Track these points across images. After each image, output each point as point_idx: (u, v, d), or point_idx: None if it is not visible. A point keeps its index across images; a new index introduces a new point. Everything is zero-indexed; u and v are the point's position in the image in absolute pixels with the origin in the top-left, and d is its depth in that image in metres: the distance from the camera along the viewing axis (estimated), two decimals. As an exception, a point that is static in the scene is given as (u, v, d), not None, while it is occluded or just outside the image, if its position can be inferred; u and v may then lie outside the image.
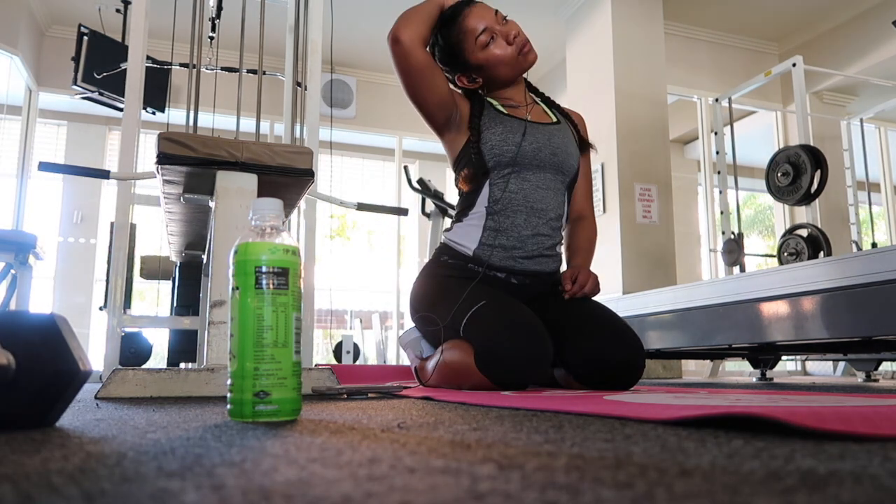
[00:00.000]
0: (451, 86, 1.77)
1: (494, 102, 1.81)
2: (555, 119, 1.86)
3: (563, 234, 1.82)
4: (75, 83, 4.02)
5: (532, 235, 1.72)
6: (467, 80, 1.80)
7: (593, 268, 1.87)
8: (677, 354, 3.42)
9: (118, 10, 4.44)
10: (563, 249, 1.83)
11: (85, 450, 0.50)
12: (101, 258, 5.13)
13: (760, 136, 5.82)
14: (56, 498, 0.31)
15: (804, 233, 3.80)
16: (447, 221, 3.38)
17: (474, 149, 1.73)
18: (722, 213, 4.40)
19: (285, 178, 1.61)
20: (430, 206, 3.80)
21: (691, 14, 5.18)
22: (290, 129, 2.84)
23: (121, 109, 3.57)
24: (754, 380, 3.85)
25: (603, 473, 0.37)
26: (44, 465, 0.41)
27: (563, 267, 1.86)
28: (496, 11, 1.77)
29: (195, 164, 1.53)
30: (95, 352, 4.74)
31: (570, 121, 1.90)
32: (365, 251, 7.09)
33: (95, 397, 1.32)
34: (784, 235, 3.99)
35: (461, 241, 1.76)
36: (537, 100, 1.90)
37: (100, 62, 4.01)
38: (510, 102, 1.82)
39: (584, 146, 1.89)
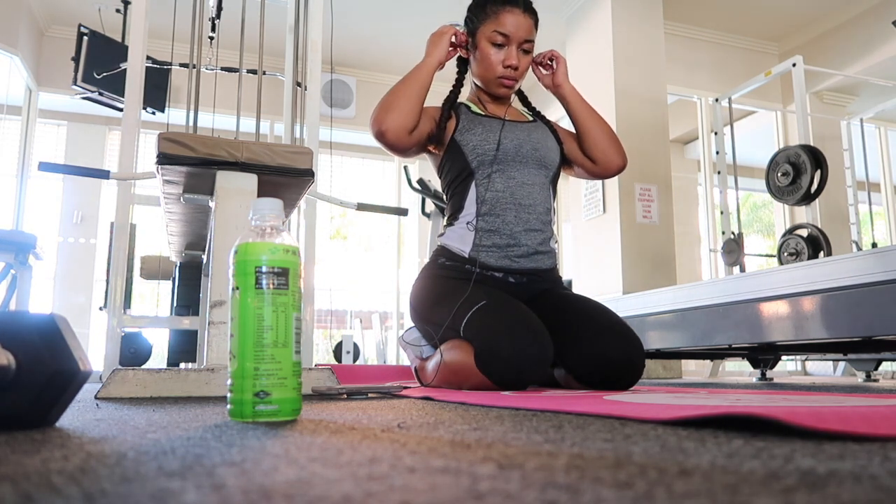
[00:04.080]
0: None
1: (472, 105, 1.87)
2: (531, 118, 1.91)
3: (554, 228, 1.84)
4: (75, 83, 4.01)
5: (524, 231, 1.73)
6: (464, 39, 1.87)
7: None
8: (677, 354, 3.42)
9: (118, 10, 4.44)
10: (556, 245, 1.83)
11: (85, 450, 0.50)
12: (101, 258, 5.13)
13: (760, 136, 5.82)
14: (56, 498, 0.31)
15: (804, 233, 3.79)
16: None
17: (456, 151, 1.78)
18: (722, 213, 4.40)
19: (285, 178, 1.61)
20: (430, 206, 3.80)
21: (691, 14, 5.18)
22: (290, 129, 2.84)
23: (121, 109, 3.57)
24: (754, 380, 3.85)
25: (603, 473, 0.37)
26: (44, 465, 0.41)
27: (559, 265, 1.88)
28: (528, 39, 1.79)
29: (195, 164, 1.53)
30: (95, 352, 4.74)
31: (545, 120, 1.94)
32: (365, 251, 7.09)
33: (95, 397, 1.32)
34: (784, 235, 3.99)
35: (455, 244, 1.77)
36: (515, 98, 1.94)
37: (100, 62, 4.01)
38: (487, 103, 1.87)
39: (560, 141, 1.91)
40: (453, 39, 1.83)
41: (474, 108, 1.86)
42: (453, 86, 1.87)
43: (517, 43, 1.77)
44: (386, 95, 1.73)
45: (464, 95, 1.93)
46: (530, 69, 1.88)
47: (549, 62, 1.88)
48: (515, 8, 1.76)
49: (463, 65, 1.90)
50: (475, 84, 1.89)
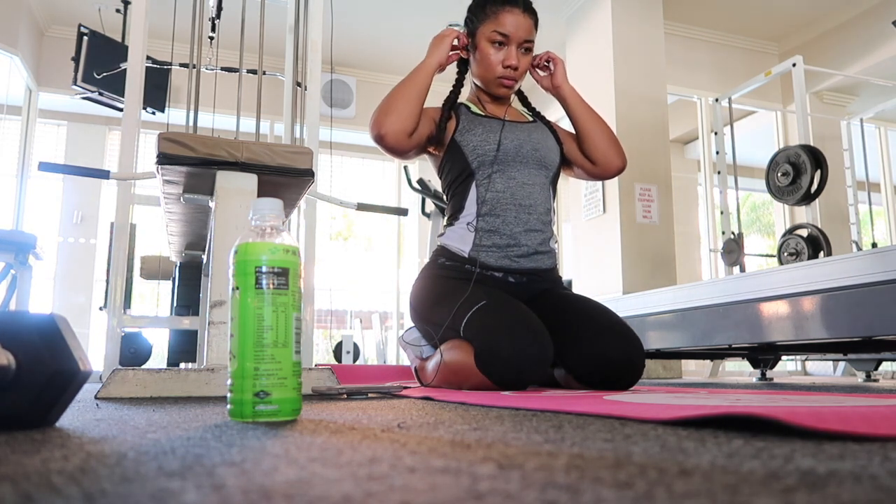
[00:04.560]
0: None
1: (471, 106, 1.86)
2: (531, 119, 1.91)
3: (554, 229, 1.83)
4: (75, 83, 4.01)
5: (524, 231, 1.73)
6: (464, 44, 1.86)
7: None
8: (677, 354, 3.42)
9: (118, 10, 4.44)
10: (556, 245, 1.83)
11: (85, 450, 0.50)
12: (101, 258, 5.13)
13: (760, 136, 5.82)
14: (56, 498, 0.31)
15: (804, 233, 3.80)
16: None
17: (456, 152, 1.78)
18: (722, 213, 4.40)
19: (285, 178, 1.61)
20: (430, 206, 3.80)
21: (691, 14, 5.18)
22: (290, 129, 2.84)
23: (121, 109, 3.57)
24: (754, 380, 3.85)
25: (603, 473, 0.37)
26: (44, 465, 0.41)
27: (559, 265, 1.88)
28: (528, 39, 1.78)
29: (195, 164, 1.53)
30: (95, 352, 4.74)
31: (545, 121, 1.94)
32: (365, 251, 7.09)
33: (95, 397, 1.32)
34: (784, 235, 3.99)
35: (455, 244, 1.77)
36: (515, 100, 1.94)
37: (100, 62, 4.01)
38: (487, 103, 1.87)
39: (560, 142, 1.91)
40: (455, 43, 1.82)
41: (474, 108, 1.86)
42: (453, 86, 1.87)
43: (517, 43, 1.77)
44: (385, 98, 1.73)
45: (463, 96, 1.92)
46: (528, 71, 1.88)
47: (546, 63, 1.88)
48: (515, 8, 1.76)
49: (463, 65, 1.90)
50: (475, 84, 1.89)
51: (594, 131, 1.85)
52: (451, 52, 1.81)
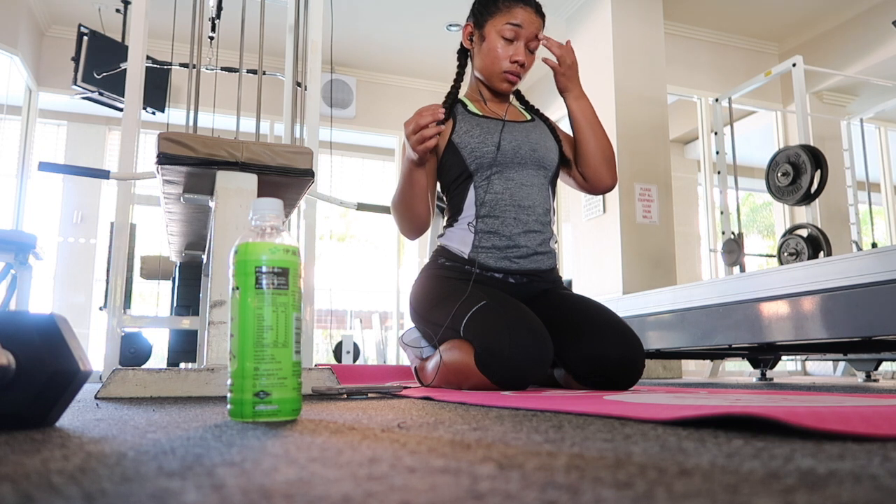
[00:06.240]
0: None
1: (469, 104, 1.85)
2: (529, 117, 1.90)
3: (553, 229, 1.83)
4: (75, 83, 4.02)
5: (523, 233, 1.73)
6: (468, 35, 1.86)
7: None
8: (677, 354, 3.42)
9: (118, 10, 4.45)
10: (556, 245, 1.83)
11: (85, 450, 0.50)
12: (101, 258, 5.13)
13: (760, 136, 5.82)
14: (56, 498, 0.31)
15: (804, 233, 3.80)
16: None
17: (454, 155, 1.77)
18: (722, 213, 4.40)
19: (285, 178, 1.61)
20: (430, 206, 3.79)
21: (691, 14, 5.18)
22: (290, 129, 2.84)
23: (121, 109, 3.58)
24: (754, 380, 3.85)
25: (603, 473, 0.37)
26: (44, 465, 0.41)
27: (559, 265, 1.87)
28: (538, 34, 1.78)
29: (195, 164, 1.53)
30: (95, 352, 4.74)
31: (544, 118, 1.94)
32: (365, 251, 7.09)
33: (95, 397, 1.32)
34: (784, 235, 3.99)
35: (455, 245, 1.77)
36: (513, 99, 1.94)
37: (100, 62, 4.02)
38: (488, 100, 1.86)
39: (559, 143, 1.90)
40: (432, 127, 1.58)
41: (472, 106, 1.84)
42: (453, 82, 1.86)
43: (526, 39, 1.77)
44: (394, 211, 1.79)
45: (462, 90, 1.91)
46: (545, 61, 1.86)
47: (543, 42, 1.78)
48: (528, 7, 1.78)
49: (463, 57, 1.90)
50: (476, 77, 1.88)
51: (591, 148, 1.81)
52: (427, 142, 1.59)
